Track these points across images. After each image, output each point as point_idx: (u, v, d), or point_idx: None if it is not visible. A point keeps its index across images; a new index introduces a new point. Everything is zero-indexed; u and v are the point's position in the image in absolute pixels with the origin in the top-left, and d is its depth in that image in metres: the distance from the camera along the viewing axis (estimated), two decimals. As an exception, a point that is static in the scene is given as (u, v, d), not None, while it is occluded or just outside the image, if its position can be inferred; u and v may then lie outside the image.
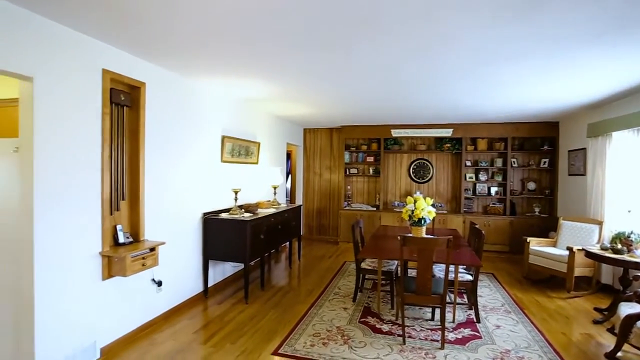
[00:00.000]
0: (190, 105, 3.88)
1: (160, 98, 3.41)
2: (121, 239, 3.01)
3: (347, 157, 7.53)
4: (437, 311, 3.51)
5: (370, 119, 6.54)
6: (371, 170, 7.47)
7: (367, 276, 4.44)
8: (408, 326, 3.38)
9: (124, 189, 3.10)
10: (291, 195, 8.08)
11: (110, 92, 2.85)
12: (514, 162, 6.67)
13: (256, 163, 5.48)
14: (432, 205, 3.92)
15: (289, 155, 7.74)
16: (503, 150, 6.67)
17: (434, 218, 3.94)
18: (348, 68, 3.33)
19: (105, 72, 2.78)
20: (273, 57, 3.06)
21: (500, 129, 6.61)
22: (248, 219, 3.96)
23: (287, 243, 5.60)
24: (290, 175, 8.14)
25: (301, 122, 7.00)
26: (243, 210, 4.34)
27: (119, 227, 3.04)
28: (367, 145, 7.47)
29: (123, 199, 3.11)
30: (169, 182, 3.58)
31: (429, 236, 3.43)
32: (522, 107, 5.08)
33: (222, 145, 4.49)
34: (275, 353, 2.88)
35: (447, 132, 6.83)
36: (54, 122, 2.44)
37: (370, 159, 7.43)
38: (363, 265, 4.04)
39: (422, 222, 3.88)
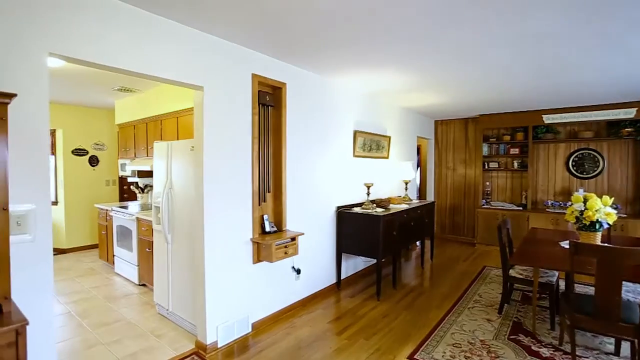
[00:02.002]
0: (324, 102, 4.01)
1: (298, 97, 3.61)
2: (267, 228, 3.31)
3: (485, 149, 6.69)
4: (625, 345, 2.74)
5: (515, 105, 5.61)
6: (515, 164, 6.45)
7: (515, 286, 3.82)
8: (581, 357, 2.73)
9: (269, 182, 3.40)
10: (421, 191, 7.67)
11: (258, 94, 3.14)
12: None
13: (387, 157, 5.35)
14: (612, 206, 3.09)
15: (418, 150, 7.34)
16: None
17: (611, 223, 3.09)
18: (492, 42, 2.86)
19: (254, 76, 3.08)
20: (409, 42, 2.86)
21: None
22: (381, 214, 3.87)
23: (418, 242, 5.30)
24: (420, 170, 7.73)
25: (432, 113, 6.53)
26: (375, 205, 4.28)
27: (265, 216, 3.34)
28: (510, 135, 6.48)
29: (268, 192, 3.42)
30: (306, 175, 3.78)
31: (614, 245, 2.68)
32: None
33: (354, 140, 4.51)
34: (411, 358, 2.71)
35: (629, 113, 5.32)
36: (217, 124, 2.81)
37: (515, 150, 6.42)
38: (512, 272, 3.47)
39: (597, 226, 3.09)
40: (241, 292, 3.06)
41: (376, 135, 4.96)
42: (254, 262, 3.17)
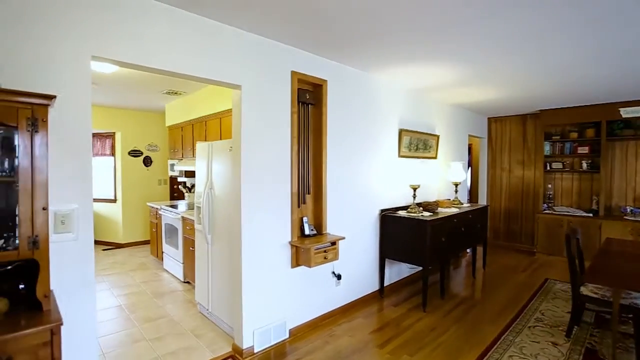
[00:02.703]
0: (368, 100, 3.81)
1: (340, 94, 3.46)
2: (307, 231, 3.20)
3: (547, 148, 6.04)
4: None
5: (585, 97, 4.96)
6: (584, 165, 5.73)
7: (587, 305, 3.33)
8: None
9: (309, 183, 3.28)
10: (472, 194, 7.15)
11: (297, 92, 3.04)
12: None
13: (435, 157, 5.01)
14: None
15: (469, 150, 6.84)
16: None
17: None
18: (565, 23, 2.48)
19: (293, 73, 2.98)
20: (463, 25, 2.58)
21: None
22: (428, 218, 3.59)
23: (469, 248, 4.90)
24: (471, 172, 7.21)
25: (486, 110, 6.03)
26: (422, 208, 3.99)
27: (304, 219, 3.23)
28: (577, 132, 5.78)
29: (308, 193, 3.30)
30: (348, 176, 3.61)
31: None
32: None
33: (400, 139, 4.26)
34: (462, 380, 2.44)
35: None
36: (255, 124, 2.74)
37: (583, 149, 5.71)
38: (583, 290, 3.02)
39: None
40: (279, 297, 2.97)
41: (423, 134, 4.66)
42: (293, 266, 3.07)
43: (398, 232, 3.81)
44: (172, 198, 7.15)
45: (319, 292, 3.33)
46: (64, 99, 1.86)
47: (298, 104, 3.09)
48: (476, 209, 4.61)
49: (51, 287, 1.86)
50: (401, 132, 4.26)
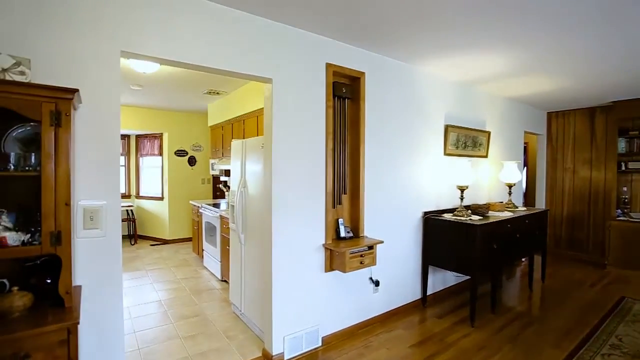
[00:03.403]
0: (410, 93, 3.53)
1: (379, 87, 3.23)
2: (342, 233, 3.01)
3: (621, 145, 5.28)
4: None
5: (675, 86, 4.25)
6: (670, 165, 4.93)
7: (677, 331, 2.78)
8: None
9: (345, 182, 3.09)
10: (527, 197, 6.50)
11: (332, 86, 2.86)
12: None
13: (485, 156, 4.58)
14: None
15: (525, 148, 6.23)
16: None
17: None
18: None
19: (328, 65, 2.81)
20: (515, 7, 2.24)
21: None
22: (478, 222, 3.23)
23: (525, 257, 4.40)
24: (526, 172, 6.57)
25: (545, 103, 5.42)
26: (470, 211, 3.63)
27: (340, 220, 3.04)
28: (662, 127, 4.99)
29: (344, 193, 3.11)
30: (388, 175, 3.36)
31: None
32: None
33: (446, 136, 3.92)
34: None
35: None
36: (287, 119, 2.61)
37: (669, 147, 4.91)
38: (673, 313, 2.51)
39: None
40: (311, 302, 2.81)
41: (472, 131, 4.26)
42: (326, 270, 2.90)
43: (443, 237, 3.48)
44: (215, 197, 7.32)
45: (354, 298, 3.12)
46: (93, 96, 1.86)
47: (333, 98, 2.91)
48: (534, 213, 4.11)
49: (80, 283, 1.86)
50: (447, 129, 3.92)
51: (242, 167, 3.27)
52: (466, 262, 3.25)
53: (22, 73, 1.58)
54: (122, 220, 6.73)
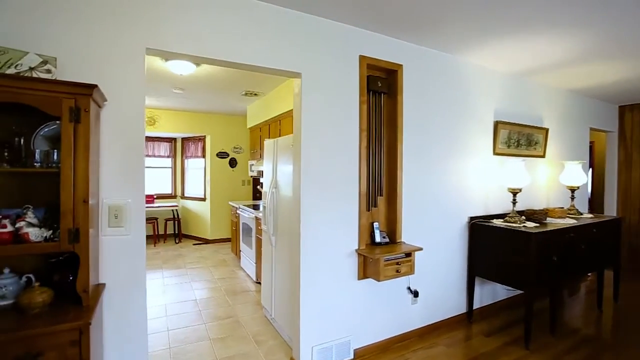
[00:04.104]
0: (453, 86, 3.23)
1: (418, 80, 2.98)
2: (377, 238, 2.80)
3: None
4: None
5: None
6: None
7: None
8: None
9: (381, 183, 2.88)
10: (592, 202, 5.78)
11: (367, 80, 2.67)
12: None
13: (542, 156, 4.09)
14: None
15: (590, 147, 5.53)
16: None
17: None
18: None
19: (361, 58, 2.62)
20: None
21: None
22: (534, 230, 2.85)
23: (593, 272, 3.85)
24: (592, 174, 5.84)
25: (616, 95, 4.75)
26: (524, 217, 3.23)
27: (375, 224, 2.84)
28: None
29: (380, 195, 2.90)
30: (429, 176, 3.09)
31: None
32: None
33: (495, 133, 3.54)
34: None
35: None
36: (317, 116, 2.47)
37: None
38: None
39: None
40: (343, 311, 2.63)
41: (526, 127, 3.82)
42: (359, 278, 2.70)
43: (492, 245, 3.13)
44: (255, 198, 7.39)
45: (390, 309, 2.88)
46: (118, 93, 1.85)
47: (368, 92, 2.72)
48: (603, 221, 3.58)
49: (104, 281, 1.85)
50: (497, 125, 3.54)
51: (274, 167, 3.19)
52: (519, 275, 2.87)
53: (49, 71, 1.60)
54: (168, 220, 7.12)
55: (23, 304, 1.44)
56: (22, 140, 1.61)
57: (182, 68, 3.40)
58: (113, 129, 1.86)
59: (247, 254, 4.76)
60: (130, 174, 1.91)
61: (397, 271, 2.62)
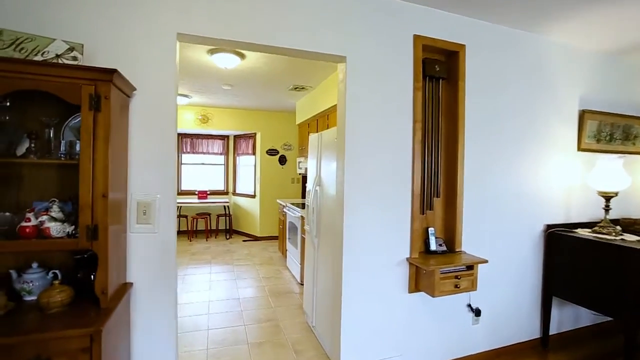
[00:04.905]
0: (526, 69, 2.72)
1: (484, 63, 2.54)
2: (433, 246, 2.43)
3: None
4: None
5: None
6: None
7: None
8: None
9: (438, 182, 2.51)
10: None
11: (422, 63, 2.32)
12: None
13: (643, 152, 3.37)
14: None
15: None
16: None
17: None
18: None
19: (416, 38, 2.28)
20: None
21: None
22: (636, 245, 2.28)
23: None
24: None
25: None
26: (620, 228, 2.63)
27: (430, 230, 2.47)
28: None
29: (437, 196, 2.52)
30: (495, 175, 2.64)
31: None
32: None
33: (581, 125, 2.95)
34: None
35: None
36: (363, 105, 2.19)
37: None
38: None
39: None
40: (390, 327, 2.31)
41: (622, 117, 3.15)
42: (410, 291, 2.36)
43: (575, 261, 2.58)
44: (304, 196, 7.26)
45: (447, 328, 2.50)
46: (147, 82, 1.74)
47: (423, 78, 2.36)
48: None
49: (132, 280, 1.76)
50: (583, 115, 2.94)
51: (318, 163, 2.96)
52: (611, 299, 2.31)
53: (75, 58, 1.52)
54: (220, 216, 7.27)
55: (42, 302, 1.37)
56: (51, 132, 1.56)
57: (227, 61, 3.32)
58: (142, 120, 1.75)
59: (293, 253, 4.61)
60: (160, 168, 1.80)
61: (456, 286, 2.23)
